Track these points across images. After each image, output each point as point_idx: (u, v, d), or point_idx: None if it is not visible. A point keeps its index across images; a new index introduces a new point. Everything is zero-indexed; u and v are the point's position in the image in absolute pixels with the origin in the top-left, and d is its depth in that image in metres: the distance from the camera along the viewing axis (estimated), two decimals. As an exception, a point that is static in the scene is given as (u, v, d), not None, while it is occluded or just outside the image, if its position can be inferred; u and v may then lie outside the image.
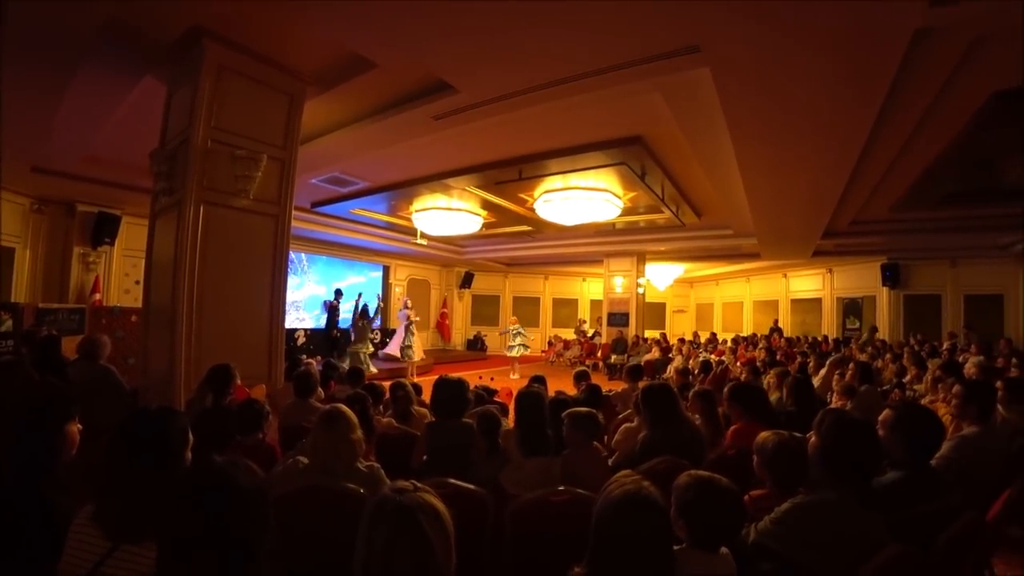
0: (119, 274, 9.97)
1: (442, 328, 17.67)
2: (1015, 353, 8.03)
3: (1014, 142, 5.95)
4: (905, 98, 4.72)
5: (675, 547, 1.43)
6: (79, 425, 2.07)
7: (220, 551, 1.11)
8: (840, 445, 1.90)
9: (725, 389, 3.81)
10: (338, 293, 12.62)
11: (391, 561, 1.10)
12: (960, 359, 7.81)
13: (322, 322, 13.18)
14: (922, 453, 2.24)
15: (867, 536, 1.76)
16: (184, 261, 4.32)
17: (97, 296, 9.22)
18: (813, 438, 2.03)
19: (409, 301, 14.22)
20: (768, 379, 5.55)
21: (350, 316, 12.54)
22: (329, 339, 12.16)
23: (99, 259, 9.55)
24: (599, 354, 15.01)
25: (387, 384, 4.58)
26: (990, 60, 4.15)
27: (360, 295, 11.76)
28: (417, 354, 11.92)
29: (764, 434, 2.22)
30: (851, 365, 5.90)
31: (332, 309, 12.22)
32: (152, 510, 1.33)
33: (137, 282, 9.15)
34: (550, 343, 17.49)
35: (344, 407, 2.33)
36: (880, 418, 2.40)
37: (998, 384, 4.22)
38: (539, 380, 5.22)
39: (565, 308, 19.77)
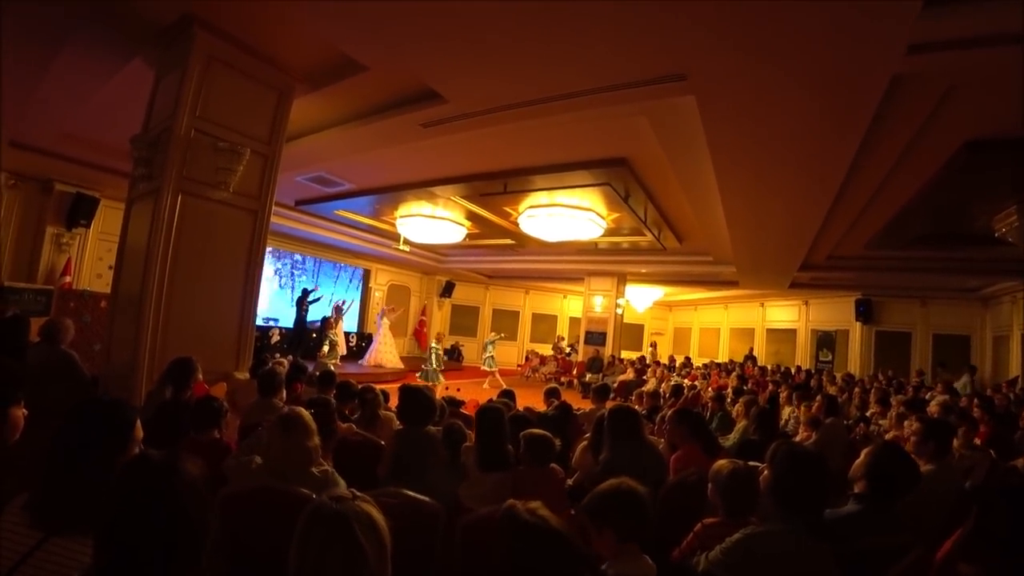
0: (92, 257, 9.75)
1: (419, 336, 17.54)
2: (975, 393, 8.20)
3: (983, 190, 6.14)
4: (883, 139, 4.87)
5: None
6: (24, 410, 2.01)
7: (160, 546, 1.09)
8: (790, 477, 1.92)
9: (667, 413, 3.83)
10: (305, 292, 12.54)
11: (323, 568, 1.10)
12: (927, 396, 7.96)
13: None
14: (888, 492, 2.25)
15: (813, 568, 1.78)
16: (156, 249, 4.24)
17: (67, 279, 8.99)
18: (765, 469, 2.05)
19: (387, 307, 14.10)
20: (737, 408, 5.60)
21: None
22: (299, 338, 12.00)
23: (73, 240, 9.32)
24: (574, 372, 15.02)
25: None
26: (963, 110, 4.32)
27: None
28: (441, 377, 11.23)
29: (720, 463, 2.24)
30: (818, 398, 5.99)
31: (300, 307, 12.09)
32: (87, 502, 1.30)
33: (111, 267, 8.89)
34: (527, 358, 17.45)
35: (303, 411, 2.29)
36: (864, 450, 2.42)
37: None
38: (508, 395, 5.17)
39: (544, 323, 19.77)
